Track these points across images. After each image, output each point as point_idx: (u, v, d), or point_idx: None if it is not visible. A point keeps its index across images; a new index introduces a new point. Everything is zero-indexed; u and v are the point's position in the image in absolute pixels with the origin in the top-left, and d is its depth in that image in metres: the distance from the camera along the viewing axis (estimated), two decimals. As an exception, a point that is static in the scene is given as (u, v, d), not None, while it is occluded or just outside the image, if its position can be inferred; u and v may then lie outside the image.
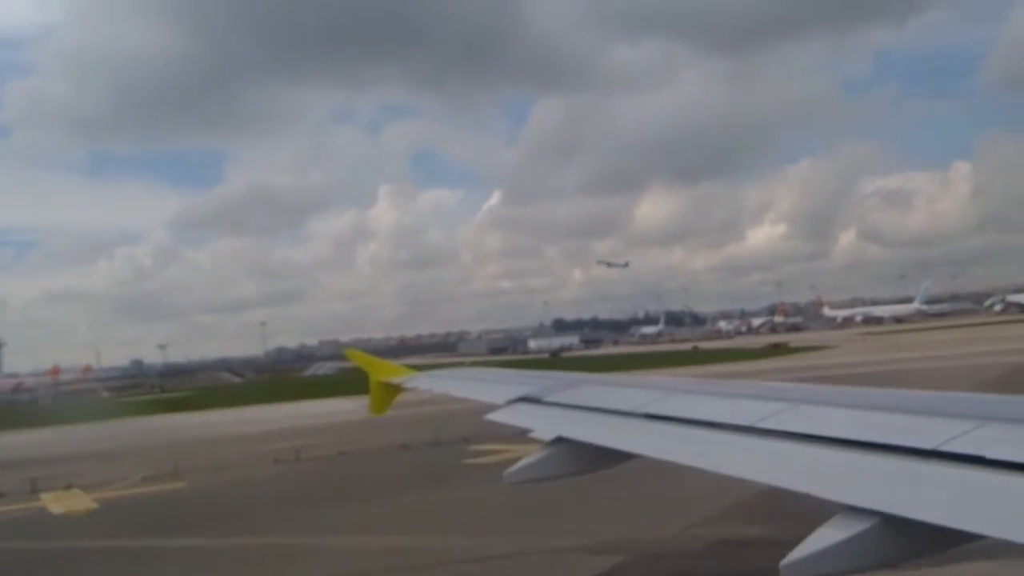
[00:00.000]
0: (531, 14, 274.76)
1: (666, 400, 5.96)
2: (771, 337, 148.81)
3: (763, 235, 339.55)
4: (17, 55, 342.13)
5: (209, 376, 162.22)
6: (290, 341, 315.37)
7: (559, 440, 5.95)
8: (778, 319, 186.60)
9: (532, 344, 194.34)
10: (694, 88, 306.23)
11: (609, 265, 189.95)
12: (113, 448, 44.36)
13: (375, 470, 31.12)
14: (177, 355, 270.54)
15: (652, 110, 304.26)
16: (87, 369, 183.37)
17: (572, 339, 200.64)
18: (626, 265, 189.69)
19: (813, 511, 3.58)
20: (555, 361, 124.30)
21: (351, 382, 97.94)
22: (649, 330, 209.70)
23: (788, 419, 4.74)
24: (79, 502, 28.28)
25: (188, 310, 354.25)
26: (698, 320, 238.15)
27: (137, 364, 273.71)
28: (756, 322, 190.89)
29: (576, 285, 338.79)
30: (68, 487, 30.85)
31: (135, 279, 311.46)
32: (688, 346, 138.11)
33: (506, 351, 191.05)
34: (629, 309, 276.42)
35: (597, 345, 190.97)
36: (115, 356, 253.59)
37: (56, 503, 28.31)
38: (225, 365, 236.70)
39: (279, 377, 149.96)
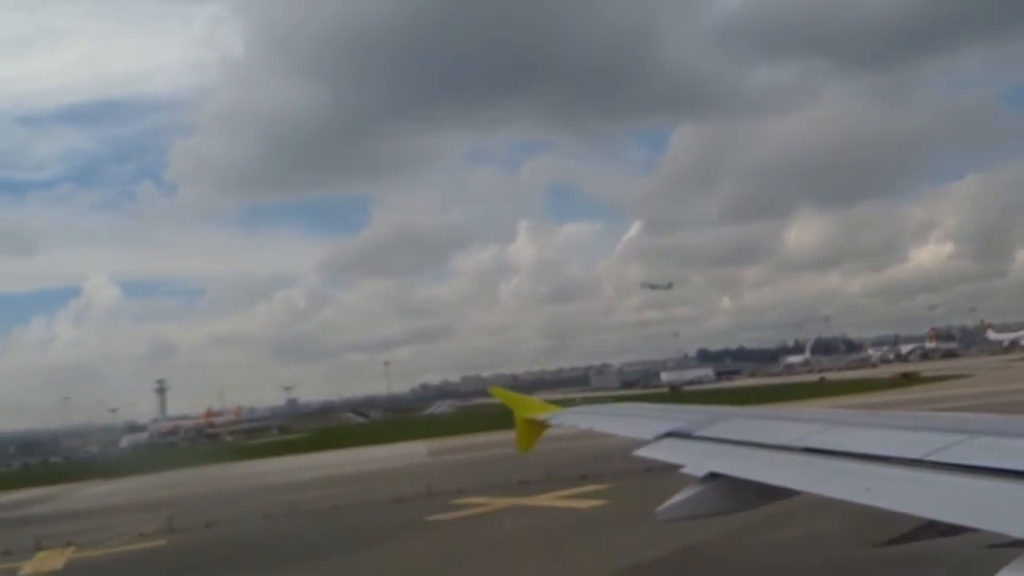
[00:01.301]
0: (663, 42, 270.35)
1: (826, 433, 5.78)
2: (919, 365, 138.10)
3: (928, 256, 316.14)
4: (181, 117, 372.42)
5: (336, 416, 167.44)
6: (435, 378, 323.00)
7: (712, 476, 5.82)
8: (929, 345, 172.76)
9: (664, 377, 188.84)
10: (842, 106, 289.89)
11: (652, 287, 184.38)
12: (161, 499, 45.52)
13: (340, 528, 30.36)
14: (330, 393, 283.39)
15: (797, 131, 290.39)
16: (237, 411, 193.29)
17: (707, 371, 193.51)
18: (670, 287, 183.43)
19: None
20: (675, 395, 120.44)
21: (459, 421, 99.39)
22: (795, 359, 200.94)
23: (965, 451, 4.46)
24: (54, 562, 28.89)
25: (339, 349, 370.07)
26: (853, 347, 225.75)
27: (292, 403, 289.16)
28: (905, 348, 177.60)
29: (724, 314, 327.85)
30: (68, 544, 31.64)
31: (291, 321, 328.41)
32: (819, 376, 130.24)
33: (637, 384, 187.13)
34: (778, 337, 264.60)
35: (731, 377, 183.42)
36: (274, 395, 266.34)
37: (36, 563, 29.00)
38: (372, 403, 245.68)
39: (399, 417, 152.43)
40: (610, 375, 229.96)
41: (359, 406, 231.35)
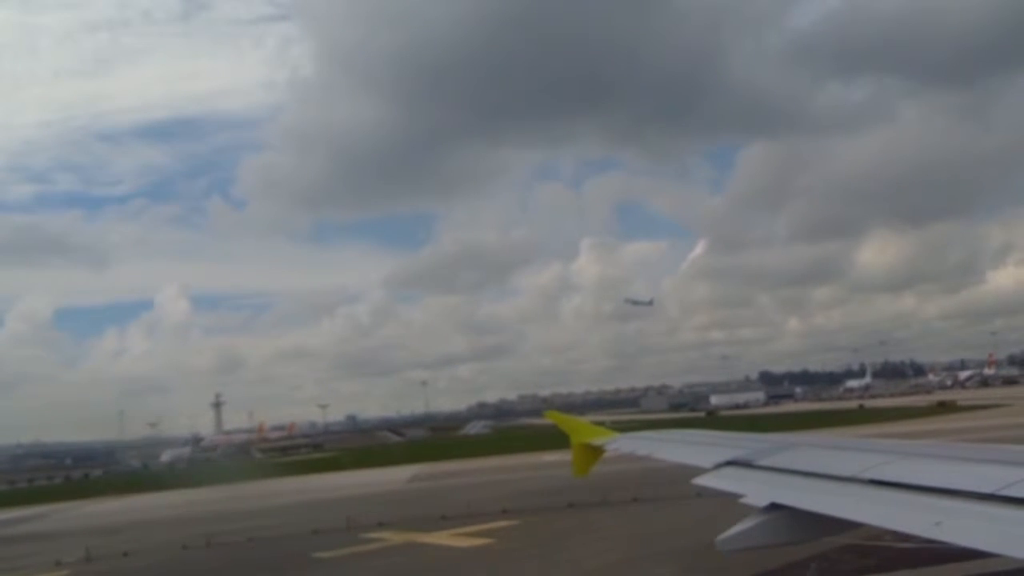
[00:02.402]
0: (733, 60, 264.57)
1: (893, 465, 5.66)
2: (976, 392, 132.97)
3: (1007, 278, 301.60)
4: (252, 134, 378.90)
5: (373, 435, 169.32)
6: (493, 396, 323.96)
7: (774, 507, 5.70)
8: (988, 371, 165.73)
9: (713, 400, 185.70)
10: (918, 125, 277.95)
11: (634, 303, 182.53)
12: (121, 523, 47.32)
13: (229, 563, 30.84)
14: (392, 410, 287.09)
15: (870, 150, 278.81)
16: (292, 427, 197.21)
17: (757, 395, 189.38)
18: (651, 303, 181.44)
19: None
20: (712, 420, 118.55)
21: (481, 444, 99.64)
22: (855, 383, 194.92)
23: None
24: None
25: (403, 365, 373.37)
26: (920, 371, 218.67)
27: (352, 419, 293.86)
28: (963, 375, 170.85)
29: (793, 336, 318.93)
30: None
31: (355, 336, 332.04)
32: (858, 404, 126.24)
33: (685, 407, 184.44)
34: (850, 360, 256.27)
35: (779, 402, 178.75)
36: (337, 410, 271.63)
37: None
38: (430, 420, 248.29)
39: (435, 436, 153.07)
40: (657, 397, 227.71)
41: (418, 423, 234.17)
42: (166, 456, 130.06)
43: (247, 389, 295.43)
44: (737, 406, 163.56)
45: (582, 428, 12.41)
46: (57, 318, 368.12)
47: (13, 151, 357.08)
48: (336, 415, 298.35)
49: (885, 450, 6.42)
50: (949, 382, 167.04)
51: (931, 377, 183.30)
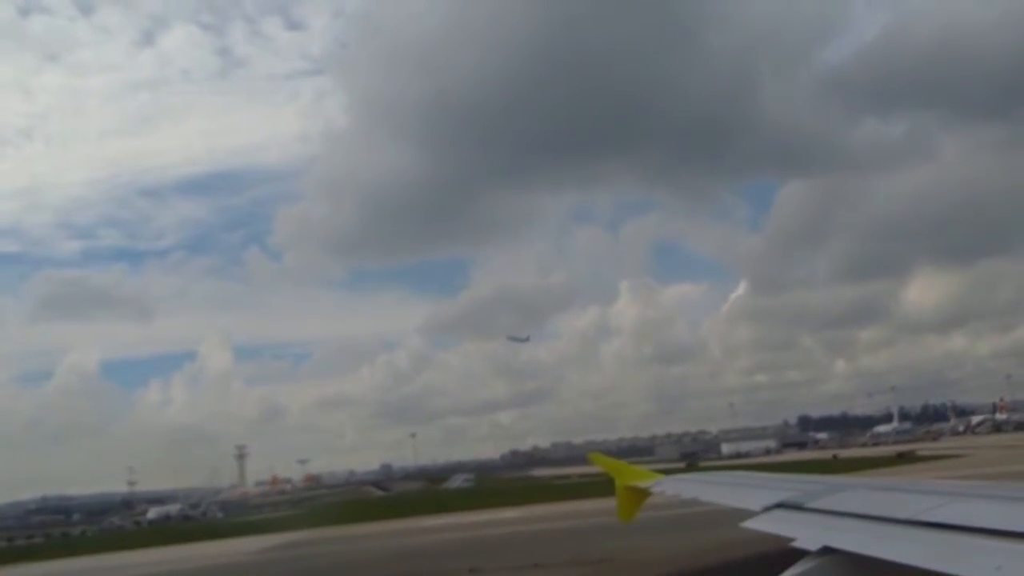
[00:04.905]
0: (767, 97, 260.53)
1: (950, 507, 5.56)
2: (986, 439, 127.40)
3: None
4: (288, 186, 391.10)
5: (359, 490, 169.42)
6: (533, 442, 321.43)
7: (826, 551, 5.58)
8: (1000, 416, 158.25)
9: (724, 448, 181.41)
10: (960, 159, 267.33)
11: (514, 340, 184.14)
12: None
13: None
14: (425, 458, 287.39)
15: (912, 186, 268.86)
16: (308, 478, 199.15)
17: (768, 443, 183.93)
18: (527, 339, 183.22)
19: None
20: (691, 468, 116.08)
21: (437, 501, 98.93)
22: (883, 428, 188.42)
23: None
24: None
25: (441, 412, 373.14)
26: (962, 414, 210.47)
27: (387, 468, 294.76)
28: (975, 420, 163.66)
29: (839, 378, 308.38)
30: None
31: (394, 384, 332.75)
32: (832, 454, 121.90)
33: (695, 455, 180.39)
34: (886, 403, 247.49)
35: (780, 451, 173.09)
36: (373, 459, 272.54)
37: None
38: (463, 468, 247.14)
39: (424, 490, 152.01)
40: (666, 446, 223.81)
41: (449, 471, 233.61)
42: (152, 514, 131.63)
43: (288, 438, 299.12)
44: (739, 455, 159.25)
45: (627, 471, 12.15)
46: (104, 370, 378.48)
47: (61, 209, 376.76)
48: (371, 465, 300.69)
49: (941, 492, 6.29)
50: (961, 428, 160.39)
51: (952, 423, 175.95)
